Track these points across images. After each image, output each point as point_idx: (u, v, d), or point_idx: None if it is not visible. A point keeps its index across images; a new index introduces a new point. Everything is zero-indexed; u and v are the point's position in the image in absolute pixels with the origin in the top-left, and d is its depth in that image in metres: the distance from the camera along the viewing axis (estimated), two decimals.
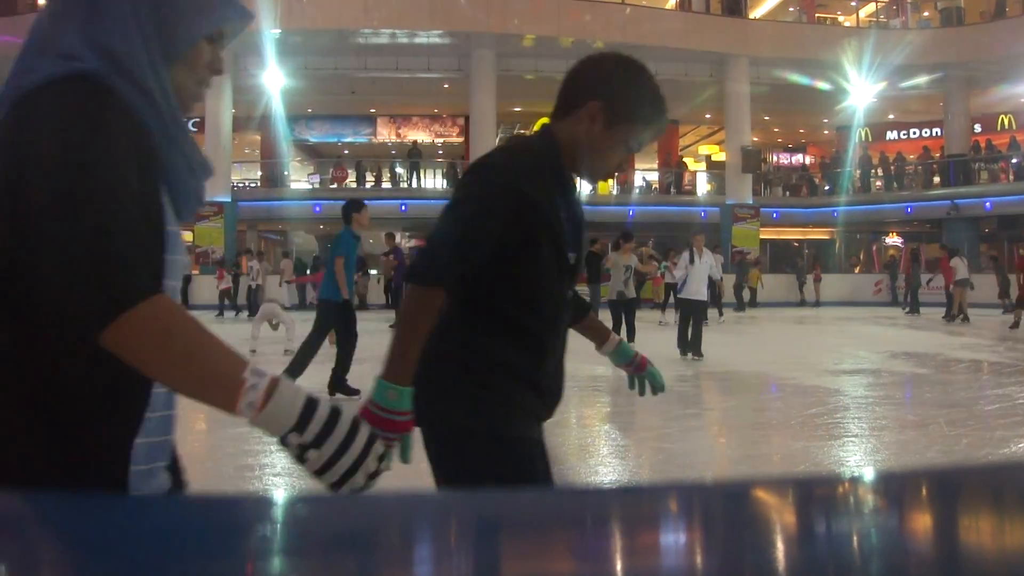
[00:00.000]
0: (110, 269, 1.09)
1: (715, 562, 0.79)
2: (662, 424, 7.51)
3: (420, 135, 36.55)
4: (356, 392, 8.31)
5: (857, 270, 26.69)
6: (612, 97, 2.23)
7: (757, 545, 0.81)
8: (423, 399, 1.91)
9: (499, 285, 2.02)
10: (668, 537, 0.88)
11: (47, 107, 1.18)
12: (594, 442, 6.84)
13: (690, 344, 12.21)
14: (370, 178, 34.05)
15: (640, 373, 2.81)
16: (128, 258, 1.11)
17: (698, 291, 12.38)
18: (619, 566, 0.76)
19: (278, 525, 0.79)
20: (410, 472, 1.84)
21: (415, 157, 33.15)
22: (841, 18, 33.85)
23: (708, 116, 35.12)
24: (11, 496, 1.03)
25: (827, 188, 34.17)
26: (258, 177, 36.13)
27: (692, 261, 12.32)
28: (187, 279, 26.73)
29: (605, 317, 19.60)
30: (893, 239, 35.32)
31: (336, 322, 9.00)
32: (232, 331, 17.15)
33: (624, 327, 12.85)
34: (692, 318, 12.24)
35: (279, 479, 5.46)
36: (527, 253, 2.00)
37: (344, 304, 8.84)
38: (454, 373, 2.05)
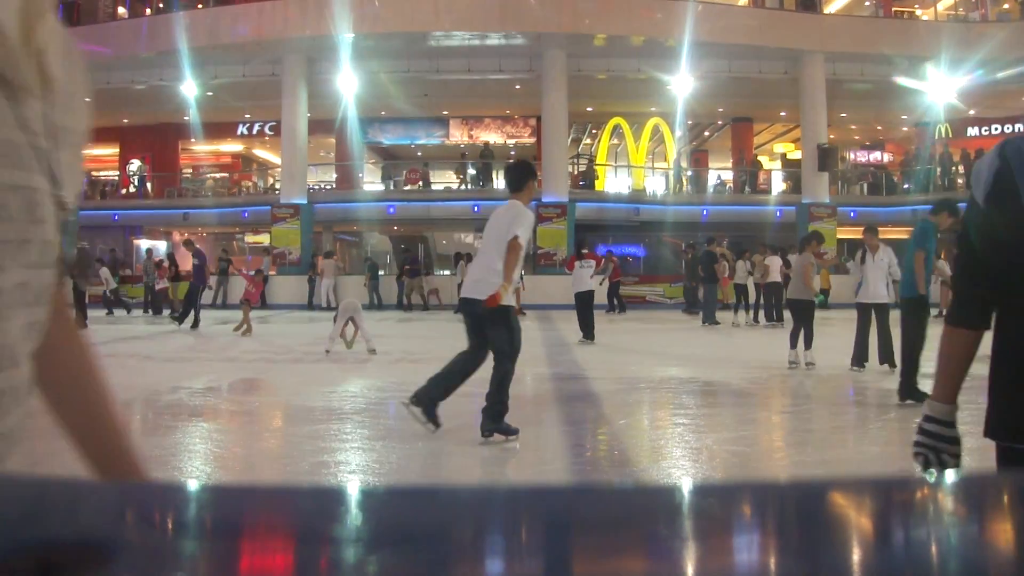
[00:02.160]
0: None
1: (786, 564, 0.79)
2: (737, 426, 7.44)
3: (492, 136, 36.68)
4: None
5: None
6: None
7: (828, 548, 0.81)
8: None
9: None
10: (739, 538, 0.88)
11: None
12: (667, 444, 6.80)
13: (883, 353, 10.79)
14: (445, 179, 34.33)
15: None
16: None
17: (876, 293, 10.73)
18: (690, 566, 0.77)
19: (352, 517, 0.81)
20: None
21: (487, 158, 33.26)
22: (919, 12, 33.05)
23: (783, 114, 34.60)
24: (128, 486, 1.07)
25: (906, 186, 33.42)
26: (333, 179, 36.65)
27: (863, 260, 10.97)
28: (265, 279, 27.30)
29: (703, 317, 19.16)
30: None
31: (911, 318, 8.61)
32: (311, 331, 17.43)
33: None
34: (878, 323, 10.72)
35: (354, 476, 5.54)
36: None
37: (920, 300, 8.62)
38: None
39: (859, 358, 10.81)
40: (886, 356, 10.68)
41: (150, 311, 24.18)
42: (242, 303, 17.03)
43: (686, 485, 1.43)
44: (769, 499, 1.00)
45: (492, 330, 6.71)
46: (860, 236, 12.21)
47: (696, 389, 9.73)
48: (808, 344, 11.09)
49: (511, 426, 6.61)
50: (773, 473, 5.74)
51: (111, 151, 39.04)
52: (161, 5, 31.36)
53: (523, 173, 7.11)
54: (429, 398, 6.66)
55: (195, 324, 18.64)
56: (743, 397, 8.95)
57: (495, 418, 6.61)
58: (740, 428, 7.34)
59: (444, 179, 35.39)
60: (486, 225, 6.94)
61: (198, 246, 20.89)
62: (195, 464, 6.11)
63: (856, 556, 0.79)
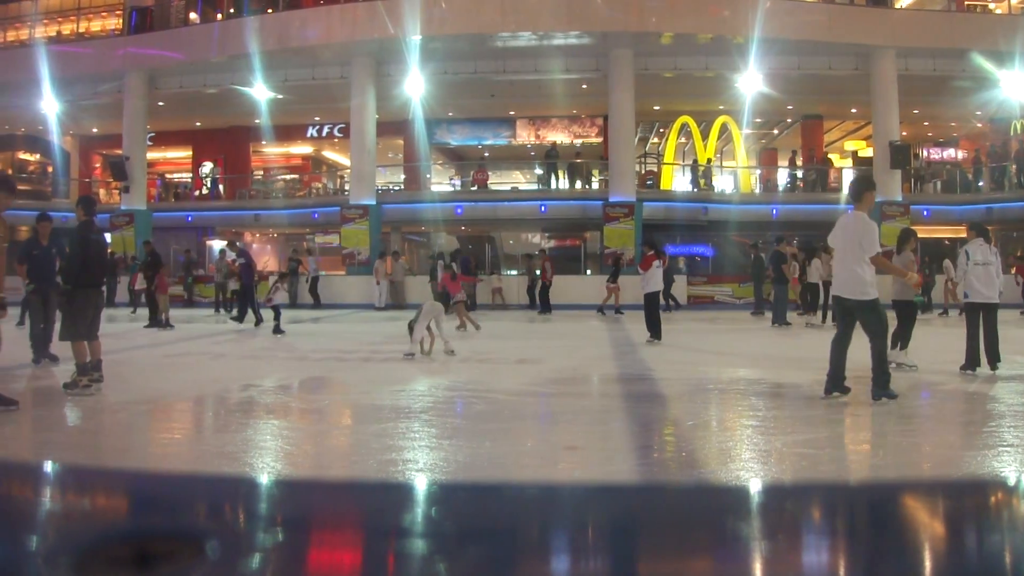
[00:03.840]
0: None
1: (856, 566, 0.79)
2: (807, 428, 7.33)
3: (559, 136, 36.70)
4: None
5: (1014, 270, 25.29)
6: None
7: (899, 552, 0.80)
8: None
9: None
10: (807, 539, 0.88)
11: None
12: (735, 446, 6.72)
13: (989, 352, 10.48)
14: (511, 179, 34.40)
15: None
16: None
17: (985, 292, 10.39)
18: (758, 567, 0.77)
19: (419, 512, 0.82)
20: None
21: (552, 158, 33.26)
22: (992, 5, 32.21)
23: (854, 110, 34.03)
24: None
25: (981, 183, 32.60)
26: (401, 180, 36.97)
27: (968, 258, 10.56)
28: (315, 280, 27.66)
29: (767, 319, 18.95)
30: None
31: None
32: (381, 330, 17.59)
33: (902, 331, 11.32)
34: (986, 323, 10.39)
35: (421, 474, 5.57)
36: None
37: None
38: None
39: (972, 361, 10.58)
40: (992, 357, 10.50)
41: (221, 310, 24.59)
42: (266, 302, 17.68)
43: (753, 485, 1.42)
44: (838, 501, 0.99)
45: (867, 316, 8.38)
46: (937, 235, 11.99)
47: (765, 390, 9.61)
48: (904, 345, 11.00)
49: (894, 391, 8.30)
50: (844, 477, 5.65)
51: (184, 154, 39.93)
52: (232, 10, 31.92)
53: (862, 186, 8.68)
54: (884, 382, 8.35)
55: (257, 322, 18.99)
56: (813, 399, 8.81)
57: (883, 385, 8.28)
58: (810, 430, 7.23)
59: (511, 179, 35.49)
60: (835, 229, 8.64)
61: (240, 245, 21.28)
62: (266, 461, 6.21)
63: (928, 560, 0.78)
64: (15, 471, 1.10)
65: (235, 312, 20.79)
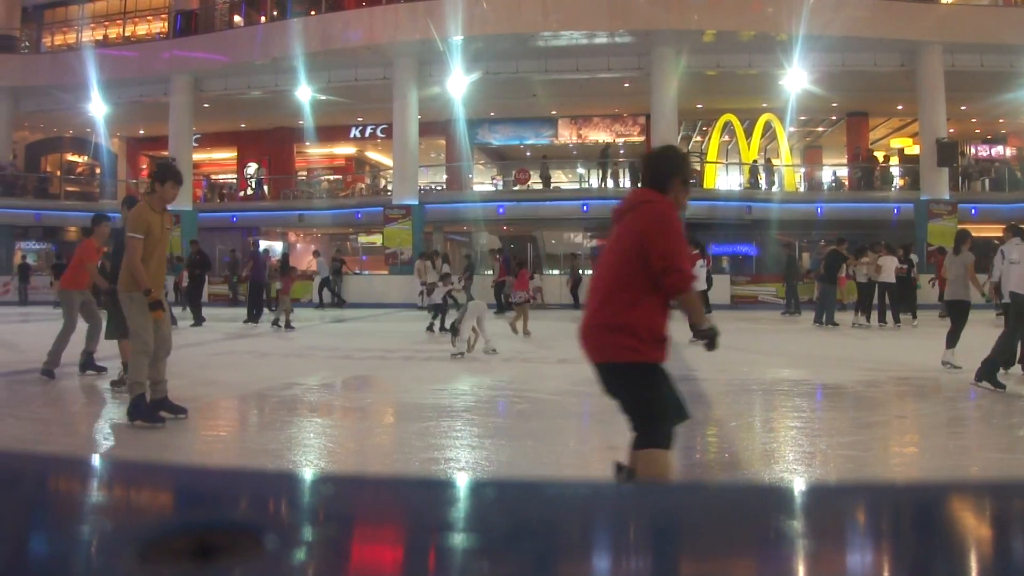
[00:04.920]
0: None
1: (900, 570, 0.77)
2: (853, 429, 7.25)
3: (601, 135, 36.63)
4: None
5: None
6: None
7: (944, 554, 0.79)
8: None
9: None
10: (852, 541, 0.86)
11: None
12: (779, 448, 6.66)
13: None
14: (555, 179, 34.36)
15: None
16: None
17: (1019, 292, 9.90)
18: (801, 567, 0.76)
19: (462, 508, 0.82)
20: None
21: (604, 157, 33.18)
22: None
23: (900, 107, 33.56)
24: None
25: None
26: (443, 180, 37.08)
27: (1004, 258, 10.28)
28: (324, 281, 27.81)
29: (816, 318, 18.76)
30: None
31: None
32: (422, 329, 17.67)
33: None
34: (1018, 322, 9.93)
35: (463, 473, 5.59)
36: None
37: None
38: None
39: (1006, 362, 10.40)
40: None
41: (265, 310, 24.81)
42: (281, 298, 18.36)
43: (796, 485, 1.40)
44: (882, 502, 0.97)
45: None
46: (985, 234, 11.83)
47: (809, 391, 9.53)
48: (952, 344, 10.85)
49: (1001, 382, 9.01)
50: (891, 478, 5.58)
51: (229, 155, 40.37)
52: (275, 13, 32.24)
53: None
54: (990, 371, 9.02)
55: (247, 320, 19.94)
56: (859, 400, 8.71)
57: (991, 370, 9.04)
58: (856, 432, 7.15)
59: (553, 179, 35.44)
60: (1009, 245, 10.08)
61: (253, 248, 21.55)
62: (309, 458, 6.26)
63: (975, 565, 0.76)
64: (59, 465, 1.12)
65: (274, 316, 21.03)
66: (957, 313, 11.00)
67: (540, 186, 32.71)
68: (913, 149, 34.87)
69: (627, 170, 32.90)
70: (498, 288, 24.81)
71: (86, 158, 40.56)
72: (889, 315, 18.94)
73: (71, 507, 0.90)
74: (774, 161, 34.62)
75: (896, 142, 38.92)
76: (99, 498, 0.92)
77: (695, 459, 6.25)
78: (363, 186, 38.29)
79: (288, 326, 17.91)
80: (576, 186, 34.81)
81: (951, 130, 30.33)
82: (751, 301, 27.54)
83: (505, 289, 26.06)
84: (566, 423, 7.69)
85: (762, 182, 33.17)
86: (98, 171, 39.50)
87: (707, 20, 26.68)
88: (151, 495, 0.96)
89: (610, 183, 32.37)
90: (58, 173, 39.73)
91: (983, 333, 10.81)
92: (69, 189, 38.62)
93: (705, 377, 10.25)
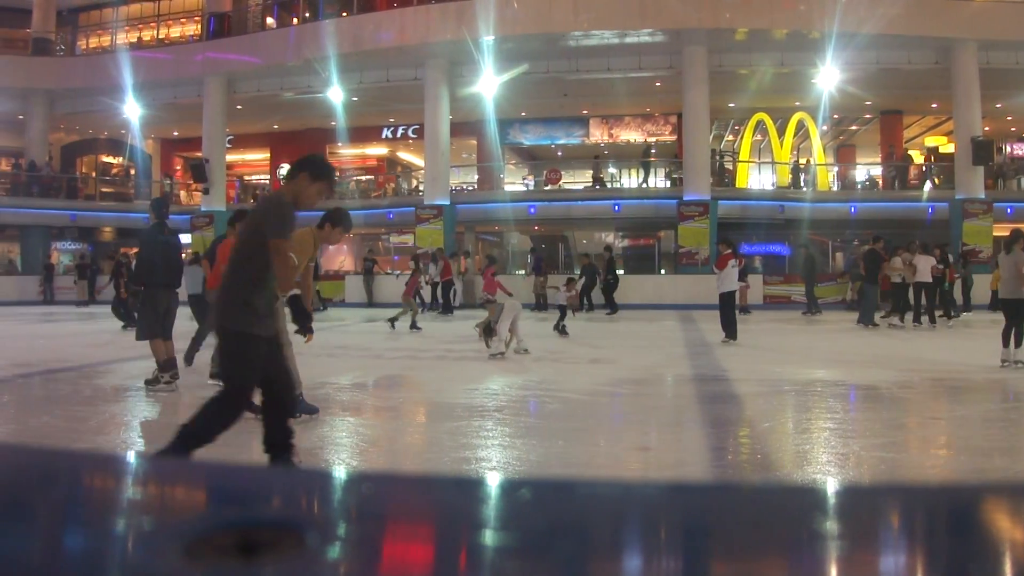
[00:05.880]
0: None
1: (934, 573, 0.77)
2: (887, 431, 7.19)
3: (632, 135, 36.52)
4: None
5: None
6: None
7: (979, 557, 0.78)
8: None
9: None
10: (884, 543, 0.86)
11: None
12: (812, 449, 6.61)
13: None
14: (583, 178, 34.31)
15: None
16: None
17: None
18: (833, 570, 0.76)
19: (491, 507, 0.83)
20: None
21: (647, 157, 33.09)
22: None
23: (934, 105, 33.15)
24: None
25: None
26: (475, 180, 37.13)
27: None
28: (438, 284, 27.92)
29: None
30: None
31: None
32: (454, 329, 17.69)
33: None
34: None
35: (495, 473, 5.59)
36: None
37: None
38: None
39: None
40: None
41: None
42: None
43: (829, 486, 1.40)
44: (915, 504, 0.97)
45: None
46: None
47: (843, 392, 9.45)
48: (1019, 343, 10.93)
49: None
50: (926, 480, 5.53)
51: (263, 156, 40.66)
52: (307, 14, 32.42)
53: None
54: None
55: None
56: (894, 401, 8.63)
57: None
58: (890, 433, 7.09)
59: (584, 178, 35.40)
60: None
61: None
62: (341, 457, 6.30)
63: (1009, 568, 0.76)
64: (98, 463, 1.14)
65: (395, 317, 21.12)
66: (1012, 311, 11.04)
67: (577, 187, 32.72)
68: (948, 147, 34.46)
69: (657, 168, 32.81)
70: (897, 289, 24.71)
71: (121, 159, 41.01)
72: (925, 316, 18.79)
73: (111, 504, 0.91)
74: (803, 161, 34.35)
75: (930, 140, 38.49)
76: (137, 494, 0.93)
77: (727, 460, 6.23)
78: (394, 185, 38.33)
79: (414, 326, 17.77)
80: (608, 185, 34.72)
81: (986, 128, 29.94)
82: (784, 301, 27.32)
83: (536, 288, 26.11)
84: (596, 423, 7.68)
85: (798, 181, 32.96)
86: (132, 172, 39.92)
87: (739, 18, 26.51)
88: (188, 492, 0.97)
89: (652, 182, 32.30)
90: (93, 174, 40.20)
91: None
92: (104, 190, 39.07)
93: (737, 378, 10.19)
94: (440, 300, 25.04)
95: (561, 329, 16.25)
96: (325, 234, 7.60)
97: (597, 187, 32.11)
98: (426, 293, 26.13)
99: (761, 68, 28.65)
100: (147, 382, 9.31)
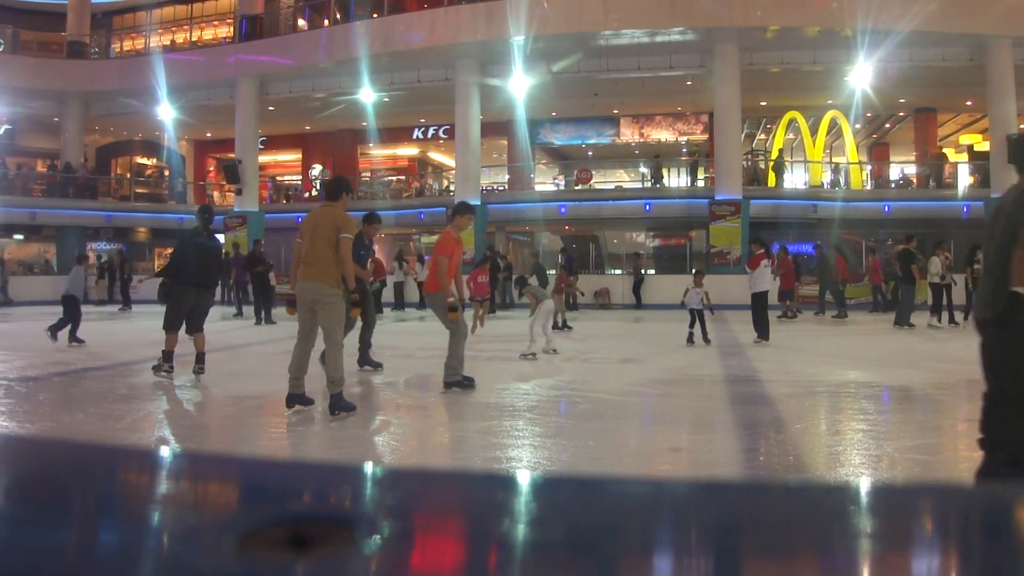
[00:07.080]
0: None
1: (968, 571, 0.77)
2: (921, 433, 7.12)
3: (663, 134, 36.41)
4: None
5: None
6: None
7: (1014, 556, 0.78)
8: None
9: None
10: (918, 545, 0.85)
11: None
12: (845, 451, 6.56)
13: None
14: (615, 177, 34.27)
15: None
16: None
17: None
18: (865, 570, 0.75)
19: (522, 504, 0.83)
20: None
21: (692, 155, 33.00)
22: None
23: (969, 103, 32.79)
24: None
25: None
26: (505, 180, 37.17)
27: None
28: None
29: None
30: None
31: None
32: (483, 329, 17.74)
33: None
34: None
35: (524, 472, 5.60)
36: None
37: None
38: None
39: None
40: None
41: None
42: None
43: (862, 487, 1.39)
44: (949, 505, 0.96)
45: None
46: None
47: (877, 393, 9.37)
48: None
49: None
50: (959, 482, 5.47)
51: (294, 157, 40.96)
52: (338, 16, 32.60)
53: None
54: None
55: (257, 321, 20.45)
56: (928, 403, 8.55)
57: None
58: (924, 435, 7.02)
59: (615, 178, 35.33)
60: None
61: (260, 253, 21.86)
62: (373, 454, 6.33)
63: None
64: (135, 458, 1.15)
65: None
66: None
67: (608, 186, 32.72)
68: (983, 145, 34.06)
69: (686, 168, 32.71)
70: (937, 289, 24.73)
71: (155, 160, 41.44)
72: (961, 316, 18.61)
73: (150, 498, 0.93)
74: (839, 159, 34.09)
75: (965, 138, 38.07)
76: (174, 489, 0.95)
77: (759, 461, 6.19)
78: (417, 187, 38.36)
79: (565, 325, 18.17)
80: (639, 185, 34.61)
81: (1021, 126, 29.57)
82: (815, 301, 27.10)
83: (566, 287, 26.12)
84: (627, 424, 7.66)
85: (825, 181, 32.75)
86: (167, 173, 40.33)
87: (770, 16, 26.33)
88: (224, 487, 0.98)
89: (670, 182, 32.20)
90: (128, 175, 40.65)
91: None
92: (139, 191, 39.49)
93: (769, 378, 10.13)
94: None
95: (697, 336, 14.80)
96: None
97: (658, 185, 32.06)
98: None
99: (792, 66, 28.45)
100: (154, 368, 10.21)
